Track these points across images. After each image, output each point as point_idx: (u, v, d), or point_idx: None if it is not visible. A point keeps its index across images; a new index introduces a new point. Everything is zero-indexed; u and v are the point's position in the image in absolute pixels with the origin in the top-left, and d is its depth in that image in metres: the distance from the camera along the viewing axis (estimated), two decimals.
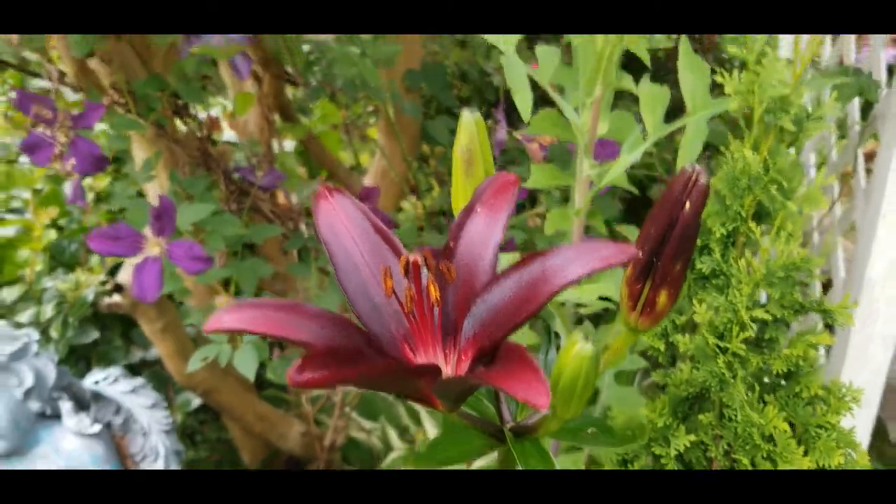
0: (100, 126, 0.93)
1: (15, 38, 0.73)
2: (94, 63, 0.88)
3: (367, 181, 1.69)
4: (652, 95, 0.72)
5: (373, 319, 0.40)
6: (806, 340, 0.63)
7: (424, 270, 0.38)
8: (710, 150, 1.19)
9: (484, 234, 0.40)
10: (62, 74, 0.78)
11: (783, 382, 0.66)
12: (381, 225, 0.41)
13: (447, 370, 0.38)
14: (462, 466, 0.45)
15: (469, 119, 0.42)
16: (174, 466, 1.12)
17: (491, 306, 0.38)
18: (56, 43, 0.79)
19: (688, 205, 0.37)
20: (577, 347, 0.34)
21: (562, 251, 0.37)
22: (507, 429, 0.42)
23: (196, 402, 1.38)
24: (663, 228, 0.38)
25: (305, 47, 1.41)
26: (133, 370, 1.41)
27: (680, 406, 0.68)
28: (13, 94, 1.20)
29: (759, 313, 0.60)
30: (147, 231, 0.81)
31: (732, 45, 0.61)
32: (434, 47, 1.75)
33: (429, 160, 1.80)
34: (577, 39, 0.70)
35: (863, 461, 0.67)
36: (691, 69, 0.68)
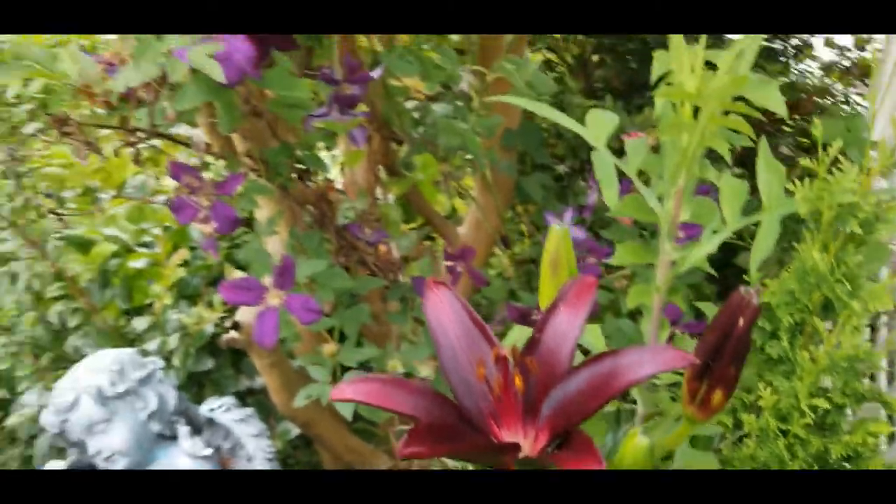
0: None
1: (172, 113, 0.85)
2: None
3: (462, 230, 1.79)
4: (732, 189, 0.78)
5: (466, 396, 0.47)
6: (865, 428, 0.68)
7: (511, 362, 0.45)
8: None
9: (565, 330, 0.48)
10: (208, 145, 0.90)
11: (846, 465, 0.71)
12: (478, 318, 0.49)
13: (526, 447, 0.45)
14: None
15: (557, 231, 0.50)
16: None
17: (567, 394, 0.46)
18: (202, 119, 0.91)
19: (741, 321, 0.43)
20: (636, 441, 0.41)
21: (631, 352, 0.45)
22: None
23: (295, 431, 1.49)
24: (720, 339, 0.44)
25: (410, 104, 1.52)
26: (240, 397, 1.53)
27: None
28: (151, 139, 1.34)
29: (820, 402, 0.65)
30: (269, 283, 0.92)
31: (805, 159, 0.67)
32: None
33: (521, 215, 1.88)
34: (664, 135, 0.77)
35: None
36: (768, 169, 0.74)
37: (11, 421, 1.41)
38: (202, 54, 0.72)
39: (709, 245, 0.77)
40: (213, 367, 1.44)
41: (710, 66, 0.74)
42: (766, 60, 2.22)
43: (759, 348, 0.72)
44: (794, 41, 2.24)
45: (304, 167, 1.05)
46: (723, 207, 0.77)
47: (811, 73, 2.24)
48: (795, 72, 2.37)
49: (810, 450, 0.69)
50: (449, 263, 1.17)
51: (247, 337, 1.25)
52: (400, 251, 1.33)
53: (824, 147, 0.71)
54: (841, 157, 0.69)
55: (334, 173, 1.70)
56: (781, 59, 2.21)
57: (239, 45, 0.74)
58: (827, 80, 2.16)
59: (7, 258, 1.61)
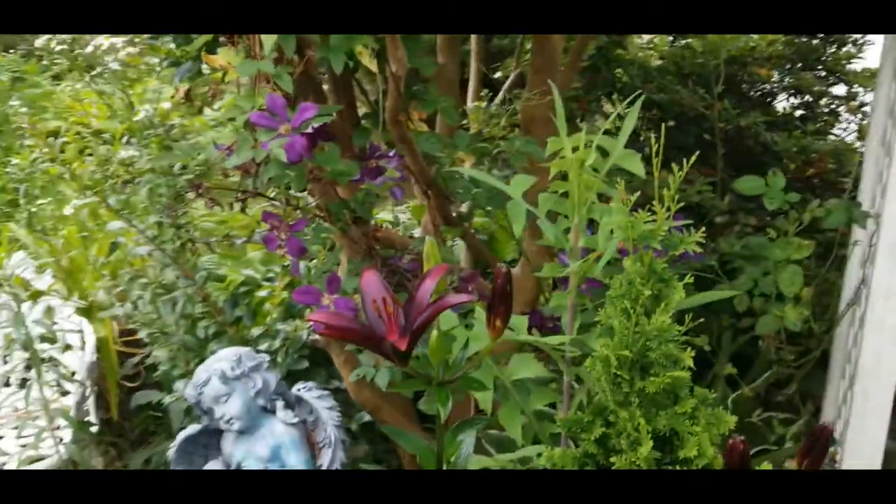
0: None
1: (265, 181, 1.36)
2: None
3: (515, 271, 2.22)
4: (605, 225, 1.19)
5: (374, 322, 0.92)
6: (670, 373, 1.06)
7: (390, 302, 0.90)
8: None
9: (427, 288, 0.91)
10: (287, 201, 1.40)
11: (660, 398, 1.09)
12: (388, 286, 0.93)
13: (399, 343, 0.89)
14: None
15: (430, 241, 0.94)
16: (340, 451, 1.68)
17: (423, 317, 0.89)
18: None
19: (500, 280, 0.85)
20: (436, 333, 0.84)
21: (448, 297, 0.88)
22: (435, 381, 0.92)
23: (367, 418, 1.94)
24: (493, 291, 0.87)
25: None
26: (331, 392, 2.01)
27: (600, 412, 1.12)
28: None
29: (624, 353, 1.04)
30: (325, 291, 1.39)
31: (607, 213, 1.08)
32: None
33: None
34: (561, 189, 1.20)
35: (713, 457, 1.07)
36: (616, 213, 1.15)
37: (167, 401, 1.95)
38: (276, 146, 1.23)
39: (588, 262, 1.18)
40: (309, 367, 1.93)
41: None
42: (804, 123, 2.55)
43: (609, 327, 1.12)
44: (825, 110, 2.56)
45: (357, 215, 1.53)
46: (600, 237, 1.19)
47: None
48: (833, 135, 2.68)
49: (635, 388, 1.07)
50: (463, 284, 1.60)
51: (325, 339, 1.74)
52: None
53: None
54: (658, 204, 1.09)
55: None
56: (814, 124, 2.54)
57: (298, 139, 1.23)
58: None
59: (169, 288, 2.19)
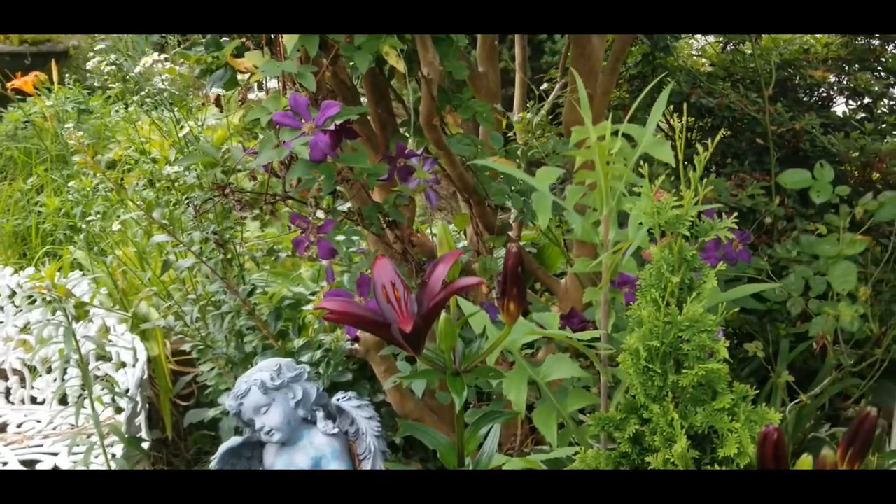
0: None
1: (294, 182, 1.35)
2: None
3: (564, 281, 2.17)
4: (635, 215, 1.14)
5: (384, 308, 0.89)
6: (705, 366, 1.00)
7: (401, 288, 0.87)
8: None
9: (440, 273, 0.88)
10: (317, 202, 1.39)
11: (694, 391, 1.03)
12: (398, 271, 0.90)
13: (408, 328, 0.86)
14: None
15: (443, 226, 0.91)
16: (380, 462, 1.64)
17: (435, 302, 0.86)
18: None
19: (511, 261, 0.82)
20: (444, 316, 0.81)
21: (460, 280, 0.85)
22: (450, 370, 0.88)
23: None
24: (505, 274, 0.83)
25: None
26: (376, 406, 1.98)
27: (634, 409, 1.07)
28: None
29: (654, 343, 0.99)
30: (356, 294, 1.37)
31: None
32: None
33: None
34: (588, 179, 1.15)
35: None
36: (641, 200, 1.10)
37: (210, 414, 1.96)
38: (299, 144, 1.22)
39: (628, 254, 1.13)
40: (353, 378, 1.91)
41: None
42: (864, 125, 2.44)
43: (639, 319, 1.07)
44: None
45: (391, 219, 1.52)
46: (629, 227, 1.14)
47: None
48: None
49: (668, 381, 1.02)
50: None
51: (364, 348, 1.72)
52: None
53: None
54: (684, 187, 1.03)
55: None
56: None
57: (321, 137, 1.22)
58: None
59: (218, 304, 2.21)
